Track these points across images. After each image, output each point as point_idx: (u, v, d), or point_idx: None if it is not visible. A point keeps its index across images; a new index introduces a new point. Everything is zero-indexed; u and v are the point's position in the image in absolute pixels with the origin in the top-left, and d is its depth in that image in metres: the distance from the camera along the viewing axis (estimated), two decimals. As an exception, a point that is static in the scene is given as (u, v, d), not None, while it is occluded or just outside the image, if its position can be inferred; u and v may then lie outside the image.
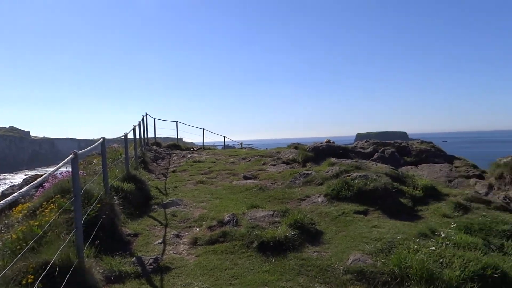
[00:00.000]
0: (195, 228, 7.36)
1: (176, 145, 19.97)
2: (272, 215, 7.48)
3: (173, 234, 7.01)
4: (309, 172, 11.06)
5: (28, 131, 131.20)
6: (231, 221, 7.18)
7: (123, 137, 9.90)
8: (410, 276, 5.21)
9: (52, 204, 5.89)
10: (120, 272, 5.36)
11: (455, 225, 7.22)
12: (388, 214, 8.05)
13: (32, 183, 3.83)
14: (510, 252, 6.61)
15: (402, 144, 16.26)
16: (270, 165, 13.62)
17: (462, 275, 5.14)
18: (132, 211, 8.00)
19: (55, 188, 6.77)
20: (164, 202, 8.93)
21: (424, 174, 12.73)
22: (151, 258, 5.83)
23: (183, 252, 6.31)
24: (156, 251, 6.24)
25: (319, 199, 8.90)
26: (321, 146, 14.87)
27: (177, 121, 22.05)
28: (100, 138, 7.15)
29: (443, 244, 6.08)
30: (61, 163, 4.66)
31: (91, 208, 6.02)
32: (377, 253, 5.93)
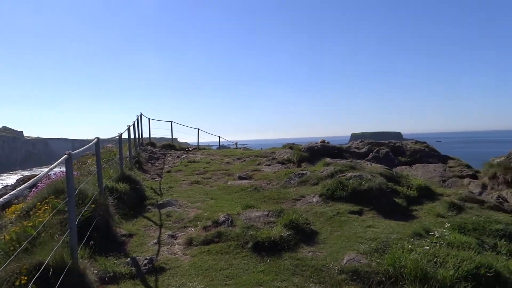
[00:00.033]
0: (190, 228, 7.35)
1: (171, 145, 19.92)
2: (267, 215, 7.48)
3: (168, 235, 6.99)
4: (304, 172, 11.08)
5: (22, 131, 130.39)
6: (226, 222, 7.18)
7: (118, 137, 9.86)
8: (404, 275, 5.23)
9: (46, 205, 5.86)
10: (114, 273, 5.34)
11: (449, 224, 7.27)
12: (382, 214, 8.08)
13: (25, 184, 3.81)
14: (504, 252, 6.65)
15: (397, 144, 16.34)
16: (265, 165, 13.62)
17: (456, 274, 5.17)
18: (127, 211, 7.97)
19: (49, 189, 6.73)
20: (159, 203, 8.90)
21: (418, 174, 12.79)
22: (146, 259, 5.81)
23: (178, 252, 6.30)
24: (150, 252, 6.23)
25: (314, 199, 8.92)
26: (316, 146, 14.90)
27: (171, 121, 22.02)
28: (94, 138, 7.12)
29: (437, 244, 6.11)
30: (55, 164, 4.64)
31: (85, 209, 5.99)
32: (372, 253, 5.95)
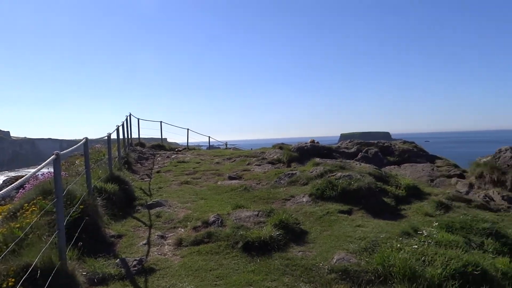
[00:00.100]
0: (179, 229, 7.32)
1: (160, 145, 19.81)
2: (257, 215, 7.49)
3: (157, 235, 6.95)
4: (294, 172, 11.11)
5: (8, 132, 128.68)
6: (216, 222, 7.17)
7: (106, 138, 9.79)
8: (393, 274, 5.28)
9: (33, 206, 5.79)
10: (103, 274, 5.29)
11: (437, 223, 7.35)
12: (371, 214, 8.14)
13: (12, 185, 3.76)
14: (490, 250, 6.76)
15: (385, 144, 16.48)
16: (255, 165, 13.63)
17: (444, 272, 5.23)
18: (116, 212, 7.91)
19: (37, 190, 6.65)
20: (148, 203, 8.85)
21: (407, 174, 12.92)
22: (135, 260, 5.78)
23: (168, 253, 6.27)
24: (140, 253, 6.19)
25: (304, 199, 8.95)
26: (305, 146, 14.95)
27: (161, 121, 21.90)
28: (83, 139, 7.05)
29: (426, 243, 6.18)
30: (43, 164, 4.59)
31: (73, 210, 5.93)
32: (361, 252, 5.99)
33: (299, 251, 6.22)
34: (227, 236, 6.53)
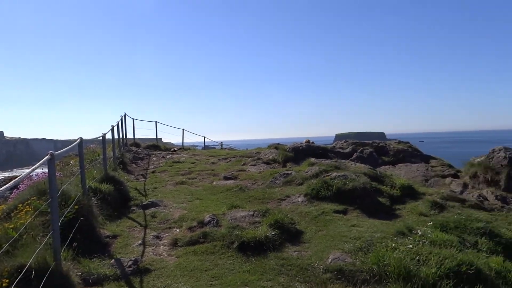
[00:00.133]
0: (175, 229, 7.31)
1: (155, 145, 19.77)
2: (253, 215, 7.49)
3: (152, 236, 6.94)
4: (289, 172, 11.12)
5: (2, 132, 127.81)
6: (212, 222, 7.16)
7: (101, 138, 9.75)
8: (388, 273, 5.30)
9: (27, 206, 5.75)
10: (98, 274, 5.27)
11: (431, 223, 7.39)
12: (366, 213, 8.17)
13: (6, 185, 3.74)
14: (484, 249, 6.80)
15: (380, 144, 16.54)
16: (251, 165, 13.63)
17: (438, 272, 5.26)
18: (111, 212, 7.88)
19: (31, 190, 6.62)
20: (143, 203, 8.83)
21: (402, 174, 12.98)
22: (131, 260, 5.76)
23: (163, 253, 6.26)
24: (135, 253, 6.17)
25: (299, 199, 8.97)
26: (301, 146, 14.98)
27: (156, 122, 21.86)
28: (78, 139, 7.02)
29: (420, 242, 6.21)
30: (37, 164, 4.57)
31: (68, 210, 5.91)
32: (356, 251, 6.01)
33: (295, 251, 6.23)
34: (222, 236, 6.52)
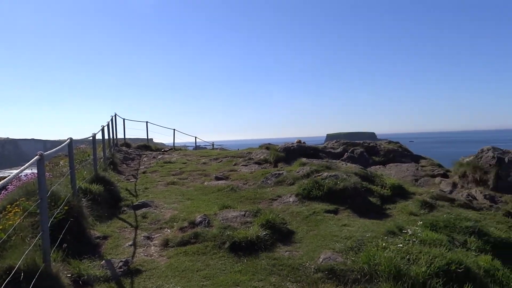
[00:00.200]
0: (166, 229, 7.28)
1: (146, 145, 19.67)
2: (244, 215, 7.50)
3: (143, 236, 6.91)
4: (281, 172, 11.14)
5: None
6: (203, 222, 7.15)
7: (91, 138, 9.68)
8: (379, 273, 5.34)
9: (16, 207, 5.69)
10: (88, 276, 5.23)
11: (421, 222, 7.45)
12: (357, 213, 8.21)
13: (-5, 186, 3.70)
14: (473, 248, 6.88)
15: (371, 144, 16.64)
16: (242, 165, 13.63)
17: (428, 271, 5.31)
18: (101, 213, 7.82)
19: (20, 191, 6.56)
20: (134, 204, 8.78)
21: (392, 174, 13.07)
22: (121, 261, 5.73)
23: (154, 254, 6.23)
24: (126, 254, 6.14)
25: (291, 199, 8.99)
26: (292, 146, 15.01)
27: (147, 122, 21.74)
28: (67, 139, 6.96)
29: (410, 241, 6.26)
30: (26, 165, 4.52)
31: (58, 211, 5.86)
32: (347, 251, 6.04)
33: (286, 251, 6.24)
34: (214, 237, 6.51)
